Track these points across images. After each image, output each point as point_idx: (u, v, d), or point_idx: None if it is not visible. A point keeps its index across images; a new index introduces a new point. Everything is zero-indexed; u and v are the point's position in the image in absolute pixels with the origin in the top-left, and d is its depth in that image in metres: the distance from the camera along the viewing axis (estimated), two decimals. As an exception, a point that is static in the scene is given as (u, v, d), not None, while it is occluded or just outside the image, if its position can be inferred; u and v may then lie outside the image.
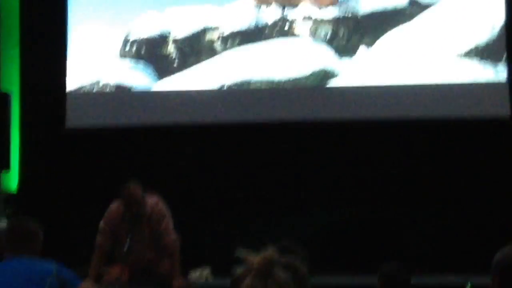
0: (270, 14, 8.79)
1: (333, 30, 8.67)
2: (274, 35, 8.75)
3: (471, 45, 8.45)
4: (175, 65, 8.84)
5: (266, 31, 8.77)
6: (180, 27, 8.90)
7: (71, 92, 8.79)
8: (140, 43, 8.92)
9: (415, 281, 5.53)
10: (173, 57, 8.87)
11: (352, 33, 8.64)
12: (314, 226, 8.25)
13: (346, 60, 8.59)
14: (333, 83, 8.62)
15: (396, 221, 8.16)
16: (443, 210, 8.19)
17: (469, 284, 5.51)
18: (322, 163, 8.43)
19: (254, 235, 6.77)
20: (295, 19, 8.75)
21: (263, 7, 8.81)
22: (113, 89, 8.89)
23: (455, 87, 8.38)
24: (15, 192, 8.67)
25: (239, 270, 2.57)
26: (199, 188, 8.41)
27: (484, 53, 8.45)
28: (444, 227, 8.14)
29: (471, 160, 8.23)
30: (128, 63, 8.90)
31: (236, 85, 8.72)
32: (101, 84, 8.89)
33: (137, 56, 8.91)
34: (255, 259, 2.54)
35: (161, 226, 6.61)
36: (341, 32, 8.66)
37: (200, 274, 7.35)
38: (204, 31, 8.87)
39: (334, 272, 7.64)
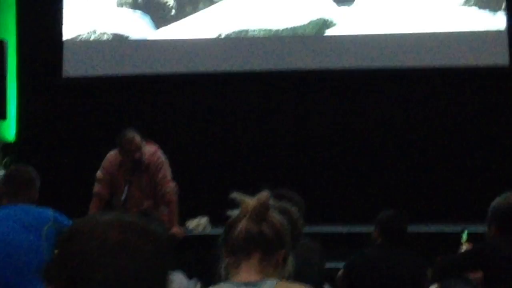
0: (268, -38, 8.70)
1: (331, -22, 8.60)
2: (272, -17, 8.67)
3: (470, -7, 8.39)
4: (172, 14, 8.77)
5: (264, -21, 8.69)
6: (177, -25, 8.81)
7: (68, 40, 8.73)
8: (137, -9, 8.84)
9: (412, 229, 5.56)
10: (170, 5, 8.79)
11: (350, -19, 8.57)
12: (312, 175, 8.27)
13: (344, 8, 8.52)
14: (331, 31, 8.57)
15: (393, 170, 8.17)
16: (441, 159, 8.20)
17: (465, 232, 5.53)
18: (320, 112, 8.41)
19: (253, 185, 6.76)
20: (294, -33, 8.66)
21: (261, -46, 8.71)
22: (110, 38, 8.83)
23: (454, 35, 8.34)
24: (12, 141, 8.66)
25: (234, 213, 2.57)
26: (197, 137, 8.40)
27: (483, 1, 8.39)
28: (442, 176, 8.16)
29: (469, 109, 8.22)
30: (125, 11, 8.83)
31: (234, 33, 8.67)
32: (98, 33, 8.83)
33: (134, 5, 8.83)
34: (250, 202, 2.54)
35: (159, 174, 6.61)
36: (340, -20, 8.59)
37: (198, 223, 7.38)
38: (201, -21, 8.79)
39: (331, 221, 7.68)
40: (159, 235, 1.43)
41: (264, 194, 2.59)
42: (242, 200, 2.60)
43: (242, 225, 2.56)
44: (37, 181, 4.35)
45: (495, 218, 4.82)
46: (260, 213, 2.57)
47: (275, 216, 2.61)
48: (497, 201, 4.93)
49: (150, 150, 6.67)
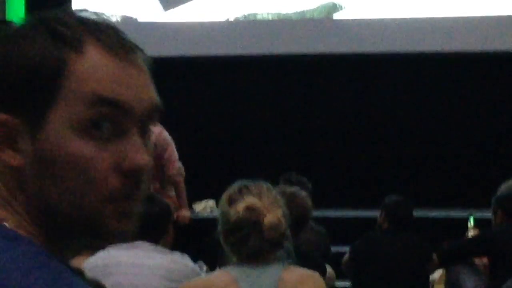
0: None
1: (341, -39, 8.56)
2: (281, -34, 8.64)
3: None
4: (181, -4, 8.76)
5: (274, -38, 8.66)
6: (186, -43, 8.78)
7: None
8: (146, -27, 8.82)
9: (418, 214, 5.57)
10: (180, -12, 8.77)
11: (360, -35, 8.53)
12: (319, 159, 8.27)
13: (353, -8, 8.50)
14: (340, 15, 8.55)
15: (401, 155, 8.16)
16: (448, 144, 8.18)
17: (472, 217, 5.54)
18: (329, 95, 8.40)
19: (260, 168, 6.78)
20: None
21: None
22: (119, 20, 8.82)
23: (466, 20, 8.30)
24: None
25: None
26: (205, 120, 8.41)
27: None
28: (449, 161, 8.15)
29: (480, 94, 8.19)
30: (134, -7, 8.81)
31: (242, 16, 8.65)
32: (106, 15, 8.80)
33: (143, -13, 8.81)
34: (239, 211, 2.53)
35: (165, 155, 6.58)
36: (350, -37, 8.55)
37: (205, 206, 7.39)
38: (210, -38, 8.76)
39: (337, 205, 7.69)
40: None
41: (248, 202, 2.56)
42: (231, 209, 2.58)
43: (252, 241, 2.54)
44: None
45: (501, 204, 4.83)
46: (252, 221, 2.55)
47: (270, 218, 2.57)
48: (503, 187, 4.95)
49: (156, 131, 6.65)
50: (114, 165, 0.95)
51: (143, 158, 0.96)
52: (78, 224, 0.96)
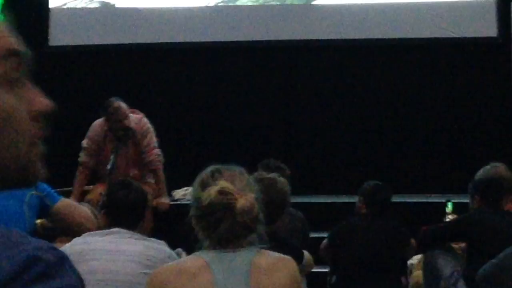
0: None
1: None
2: (261, -49, 8.61)
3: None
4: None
5: None
6: None
7: (54, 8, 8.67)
8: (125, -42, 8.76)
9: (396, 199, 5.59)
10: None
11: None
12: (298, 145, 8.27)
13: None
14: (320, 1, 8.53)
15: (379, 141, 8.18)
16: (426, 129, 8.21)
17: (450, 203, 5.56)
18: (308, 82, 8.40)
19: (239, 155, 6.77)
20: None
21: None
22: (98, 6, 8.77)
23: (442, 5, 8.31)
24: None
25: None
26: (184, 107, 8.38)
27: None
28: (426, 146, 8.17)
29: (457, 80, 8.22)
30: (112, -22, 8.75)
31: (222, 2, 8.62)
32: (85, 0, 8.76)
33: (122, -28, 8.76)
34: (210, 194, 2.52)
35: (144, 142, 6.59)
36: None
37: (184, 193, 7.38)
38: None
39: (315, 191, 7.70)
40: None
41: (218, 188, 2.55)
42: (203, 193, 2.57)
43: (224, 225, 2.54)
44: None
45: (478, 189, 4.86)
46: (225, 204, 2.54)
47: (242, 202, 2.55)
48: (481, 173, 4.98)
49: (136, 118, 6.65)
50: (29, 111, 1.04)
51: (46, 100, 1.07)
52: (13, 176, 1.03)
